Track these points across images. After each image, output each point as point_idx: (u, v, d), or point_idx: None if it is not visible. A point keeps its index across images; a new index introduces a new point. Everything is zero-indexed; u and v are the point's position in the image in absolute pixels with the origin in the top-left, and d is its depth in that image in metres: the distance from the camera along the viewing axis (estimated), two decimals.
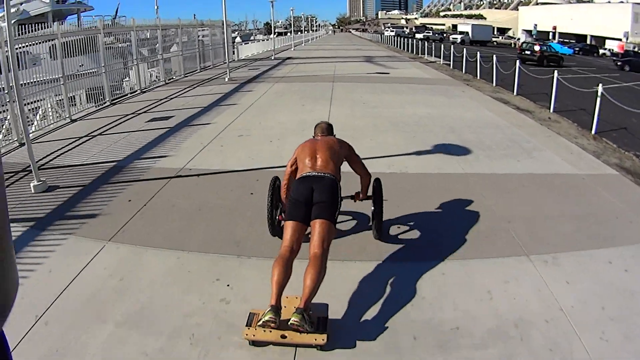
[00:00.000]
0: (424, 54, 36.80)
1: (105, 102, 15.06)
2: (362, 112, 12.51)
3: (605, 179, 7.82)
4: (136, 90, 17.82)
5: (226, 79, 20.19)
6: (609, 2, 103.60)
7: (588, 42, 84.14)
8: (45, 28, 13.35)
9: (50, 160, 8.85)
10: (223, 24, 21.62)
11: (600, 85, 12.09)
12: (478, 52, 23.02)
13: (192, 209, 6.40)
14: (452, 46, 30.18)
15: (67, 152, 9.46)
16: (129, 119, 12.58)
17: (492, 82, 20.09)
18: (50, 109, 13.09)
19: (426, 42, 40.24)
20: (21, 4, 35.43)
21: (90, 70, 14.72)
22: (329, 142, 4.91)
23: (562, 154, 9.12)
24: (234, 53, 34.72)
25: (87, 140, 10.31)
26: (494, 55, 20.87)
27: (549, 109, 14.34)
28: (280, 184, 5.27)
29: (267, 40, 62.24)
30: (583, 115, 13.48)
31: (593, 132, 11.43)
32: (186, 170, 8.03)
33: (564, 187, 7.33)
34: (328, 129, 5.35)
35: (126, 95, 17.33)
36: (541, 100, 15.86)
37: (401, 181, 7.43)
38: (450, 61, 28.39)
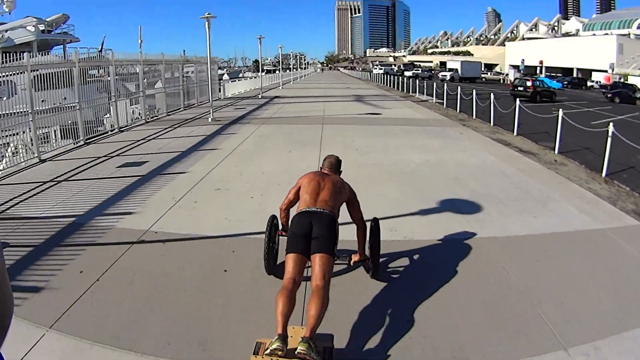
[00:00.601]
0: (415, 93, 36.09)
1: (79, 141, 14.12)
2: (355, 159, 11.29)
3: (629, 231, 7.19)
4: (114, 129, 16.80)
5: (210, 119, 19.11)
6: (594, 34, 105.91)
7: (575, 74, 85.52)
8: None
9: (7, 209, 7.91)
10: (208, 60, 20.38)
11: (612, 125, 11.33)
12: (474, 91, 22.20)
13: (151, 289, 5.19)
14: (444, 84, 29.36)
15: (27, 199, 8.51)
16: (100, 162, 11.63)
17: (490, 122, 19.29)
18: (21, 146, 12.24)
19: (416, 80, 39.63)
20: (6, 31, 34.72)
21: (65, 105, 13.91)
22: (335, 183, 5.06)
23: (578, 204, 8.33)
24: (220, 91, 33.82)
25: (52, 186, 9.40)
26: (492, 94, 19.95)
27: (554, 150, 13.59)
28: (277, 222, 5.53)
29: (256, 77, 61.72)
30: (588, 155, 13.10)
31: (604, 174, 10.78)
32: (151, 233, 6.79)
33: (589, 246, 6.59)
34: (337, 165, 5.53)
35: (106, 132, 16.47)
36: (543, 140, 15.26)
37: (408, 252, 6.25)
38: (443, 100, 27.56)
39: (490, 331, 4.46)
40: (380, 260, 5.53)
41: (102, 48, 38.30)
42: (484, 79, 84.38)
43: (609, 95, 43.64)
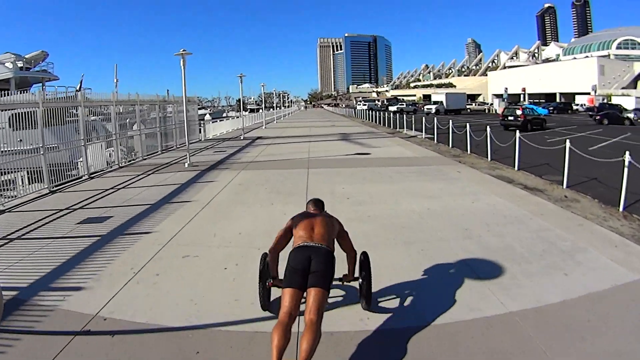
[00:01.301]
0: (402, 128, 35.09)
1: (43, 190, 13.16)
2: (347, 213, 9.69)
3: None
4: (82, 176, 15.60)
5: (186, 165, 17.69)
6: (575, 58, 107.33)
7: (558, 99, 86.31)
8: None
9: None
10: (183, 100, 18.99)
11: (627, 153, 10.64)
12: (467, 124, 21.03)
13: None
14: (434, 118, 28.30)
15: None
16: (60, 217, 10.30)
17: (487, 156, 18.34)
18: None
19: (402, 114, 38.74)
20: None
21: (31, 148, 13.00)
22: (325, 218, 5.24)
23: (606, 251, 7.43)
24: (200, 132, 32.37)
25: (2, 245, 8.27)
26: (487, 126, 18.74)
27: (561, 185, 12.80)
28: (269, 260, 5.28)
29: (239, 117, 60.69)
30: (598, 187, 12.76)
31: (621, 209, 10.14)
32: (99, 320, 5.35)
33: (633, 306, 5.60)
34: (321, 204, 5.71)
35: (80, 178, 15.46)
36: (545, 173, 14.84)
37: (423, 341, 4.85)
38: (433, 134, 26.39)
39: None
40: None
41: (80, 87, 37.31)
42: (469, 110, 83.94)
43: (597, 117, 43.99)
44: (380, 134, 33.27)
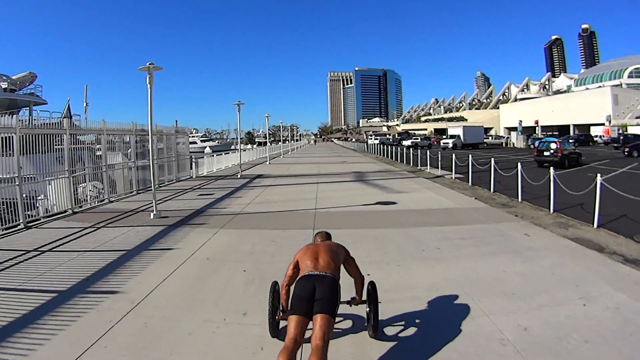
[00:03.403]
0: (424, 166, 30.52)
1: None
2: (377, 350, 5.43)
3: None
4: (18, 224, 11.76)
5: (152, 216, 13.29)
6: (587, 89, 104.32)
7: (571, 131, 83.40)
8: None
9: None
10: (149, 129, 14.57)
11: None
12: (519, 163, 16.48)
13: None
14: (452, 154, 23.87)
15: None
16: None
17: (545, 206, 14.02)
18: None
19: (417, 149, 34.48)
20: None
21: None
22: (330, 246, 5.39)
23: None
24: (192, 168, 28.00)
25: None
26: (551, 169, 14.14)
27: None
28: (279, 288, 5.56)
29: (245, 150, 56.74)
30: None
31: None
32: None
33: None
34: (328, 236, 5.93)
35: (16, 227, 12.14)
36: (624, 227, 11.28)
37: None
38: (463, 173, 21.91)
39: None
40: None
41: (69, 112, 34.43)
42: (485, 144, 79.39)
43: (627, 150, 41.61)
44: (399, 172, 28.66)
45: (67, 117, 29.24)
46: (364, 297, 5.70)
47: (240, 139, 33.82)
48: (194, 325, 5.89)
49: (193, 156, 30.32)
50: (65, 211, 14.09)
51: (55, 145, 14.68)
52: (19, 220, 11.97)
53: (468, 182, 20.84)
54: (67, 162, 14.36)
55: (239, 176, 27.11)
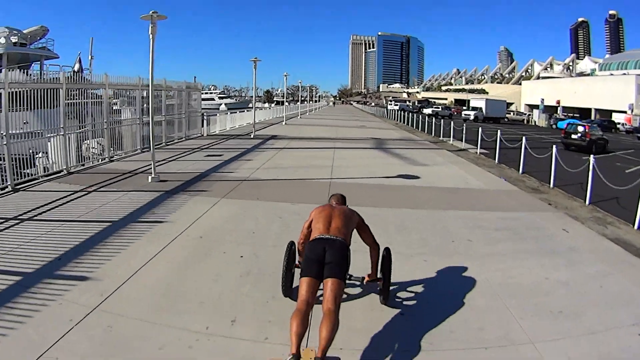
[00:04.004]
0: (446, 137, 29.03)
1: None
2: None
3: None
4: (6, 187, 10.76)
5: (149, 179, 12.09)
6: (612, 74, 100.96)
7: (593, 115, 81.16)
8: None
9: None
10: (149, 82, 13.18)
11: None
12: (554, 146, 15.02)
13: None
14: (478, 129, 22.35)
15: None
16: None
17: (579, 196, 12.60)
18: None
19: (440, 119, 32.93)
20: None
21: None
22: (344, 211, 5.32)
23: None
24: (203, 125, 26.73)
25: None
26: (554, 146, 12.66)
27: None
28: (295, 248, 5.69)
29: (262, 109, 55.46)
30: None
31: None
32: None
33: None
34: (343, 199, 5.94)
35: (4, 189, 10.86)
36: None
37: None
38: (486, 148, 20.43)
39: None
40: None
41: (80, 66, 33.97)
42: (507, 120, 77.06)
43: None
44: (421, 142, 27.21)
45: (78, 71, 28.62)
46: (377, 276, 5.67)
47: (259, 97, 32.41)
48: (168, 334, 4.71)
49: (205, 113, 28.98)
50: (60, 171, 12.93)
51: (66, 99, 13.67)
52: (7, 182, 10.83)
53: (494, 160, 19.35)
54: (62, 118, 13.11)
55: (252, 136, 25.85)
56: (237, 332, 4.80)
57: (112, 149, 16.02)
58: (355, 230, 5.39)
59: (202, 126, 26.59)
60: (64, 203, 9.67)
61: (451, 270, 6.71)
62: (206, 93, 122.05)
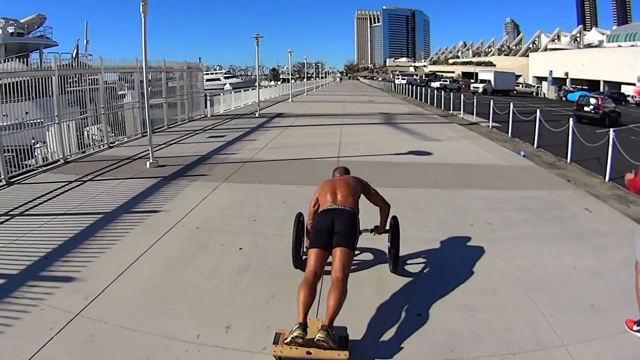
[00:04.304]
0: (456, 110, 28.25)
1: None
2: None
3: None
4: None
5: (147, 165, 11.58)
6: (620, 46, 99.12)
7: (601, 87, 79.24)
8: None
9: None
10: (143, 63, 12.52)
11: None
12: (571, 121, 14.24)
13: None
14: (490, 101, 21.72)
15: None
16: None
17: (598, 171, 11.86)
18: None
19: (449, 93, 32.05)
20: None
21: None
22: (346, 180, 5.32)
23: None
24: (207, 106, 26.12)
25: None
26: (570, 119, 11.94)
27: None
28: (304, 219, 5.63)
29: (268, 87, 54.90)
30: None
31: None
32: None
33: None
34: (346, 171, 5.88)
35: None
36: None
37: None
38: (497, 121, 19.66)
39: None
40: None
41: (76, 53, 33.74)
42: (515, 92, 75.82)
43: None
44: (431, 116, 26.47)
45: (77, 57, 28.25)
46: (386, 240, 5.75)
47: (265, 75, 31.74)
48: (154, 344, 4.17)
49: (209, 93, 28.36)
50: (57, 161, 12.41)
51: (68, 87, 13.42)
52: (0, 176, 10.31)
53: (507, 133, 18.59)
54: (55, 107, 12.55)
55: (256, 115, 25.17)
56: (232, 340, 4.26)
57: (113, 134, 15.58)
58: (363, 196, 5.40)
59: (206, 107, 26.00)
60: (57, 195, 9.10)
61: (472, 258, 6.13)
62: (212, 73, 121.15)
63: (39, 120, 12.19)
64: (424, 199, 8.85)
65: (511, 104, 19.42)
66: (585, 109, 28.44)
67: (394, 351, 4.08)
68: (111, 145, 14.95)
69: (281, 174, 10.90)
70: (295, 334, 3.79)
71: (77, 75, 14.47)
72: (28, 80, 11.65)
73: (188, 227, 7.13)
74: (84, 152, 13.89)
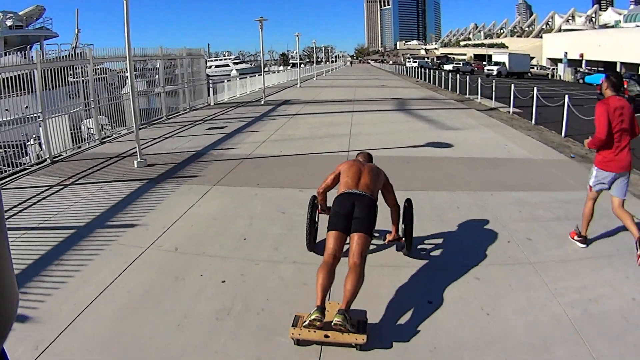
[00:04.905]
0: (473, 94, 26.90)
1: None
2: None
3: None
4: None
5: (135, 164, 10.41)
6: (638, 26, 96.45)
7: (618, 69, 76.52)
8: None
9: None
10: (126, 51, 11.30)
11: None
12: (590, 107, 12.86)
13: None
14: (511, 85, 20.43)
15: None
16: None
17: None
18: None
19: (464, 76, 30.69)
20: None
21: None
22: (373, 168, 5.21)
23: None
24: (210, 94, 24.95)
25: None
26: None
27: None
28: (317, 202, 5.62)
29: (277, 72, 53.85)
30: None
31: None
32: None
33: None
34: (369, 158, 5.72)
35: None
36: None
37: None
38: (529, 109, 18.16)
39: None
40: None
41: (76, 44, 33.01)
42: (530, 74, 73.87)
43: None
44: (446, 101, 25.09)
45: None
46: (396, 234, 5.58)
47: (275, 60, 30.55)
48: None
49: (212, 81, 27.19)
50: (43, 161, 11.37)
51: (70, 78, 13.05)
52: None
53: (530, 120, 17.14)
54: (39, 102, 11.42)
55: (262, 102, 23.98)
56: None
57: (110, 127, 14.92)
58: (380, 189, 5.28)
59: (209, 95, 24.81)
60: (31, 205, 7.92)
61: (514, 291, 4.87)
62: (221, 60, 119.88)
63: (17, 119, 11.17)
64: (449, 205, 7.56)
65: (535, 88, 17.96)
66: None
67: (411, 334, 4.06)
68: (103, 140, 13.87)
69: (282, 173, 9.69)
70: (313, 317, 3.77)
71: (79, 67, 13.89)
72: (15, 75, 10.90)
73: (165, 249, 5.91)
74: (79, 147, 13.10)
